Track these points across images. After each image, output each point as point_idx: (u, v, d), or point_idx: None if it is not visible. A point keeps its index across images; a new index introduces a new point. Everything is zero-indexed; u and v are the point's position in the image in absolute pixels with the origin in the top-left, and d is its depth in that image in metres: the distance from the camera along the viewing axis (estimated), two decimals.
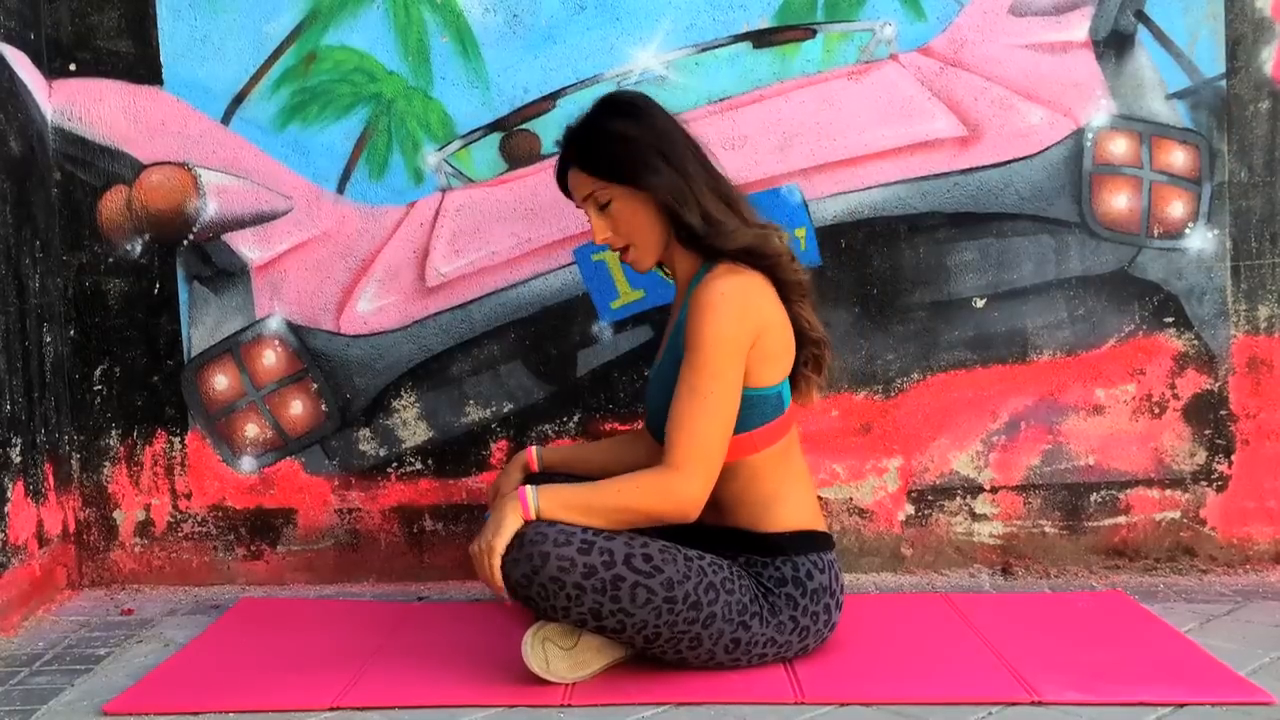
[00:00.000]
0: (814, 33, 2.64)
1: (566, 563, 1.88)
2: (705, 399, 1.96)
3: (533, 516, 1.92)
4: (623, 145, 2.04)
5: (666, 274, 2.21)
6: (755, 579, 2.03)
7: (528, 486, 1.97)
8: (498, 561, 1.90)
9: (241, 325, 2.72)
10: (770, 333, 2.01)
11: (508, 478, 2.31)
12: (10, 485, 2.46)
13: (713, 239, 2.03)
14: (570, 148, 2.11)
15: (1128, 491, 2.68)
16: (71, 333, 2.73)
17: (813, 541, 2.07)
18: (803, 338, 2.10)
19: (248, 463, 2.75)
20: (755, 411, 2.03)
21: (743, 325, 1.97)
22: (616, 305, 2.67)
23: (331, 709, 1.94)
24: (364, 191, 2.69)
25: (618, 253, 2.12)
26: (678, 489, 1.94)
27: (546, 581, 1.89)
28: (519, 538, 1.92)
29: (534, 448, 2.34)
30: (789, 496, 2.08)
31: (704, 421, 1.96)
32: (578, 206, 2.15)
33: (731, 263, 2.03)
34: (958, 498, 2.69)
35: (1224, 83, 2.61)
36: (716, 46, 2.64)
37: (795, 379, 2.11)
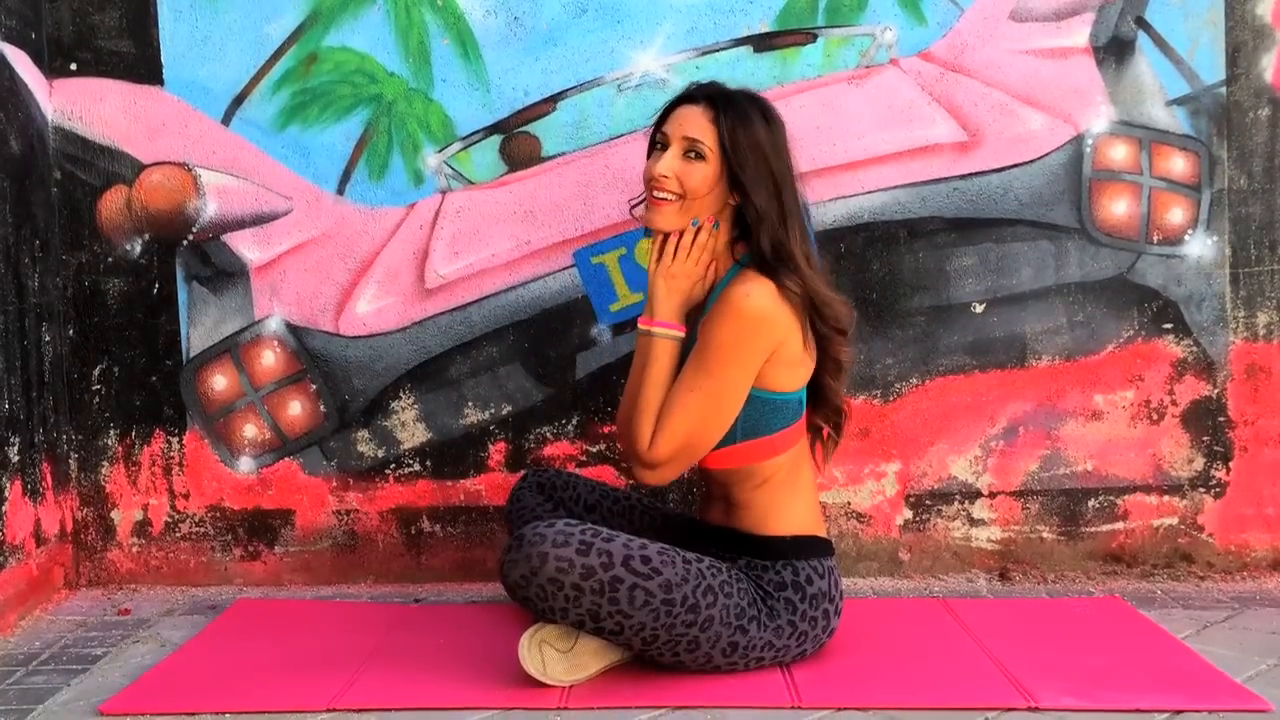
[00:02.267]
0: (814, 37, 2.64)
1: (565, 564, 1.88)
2: (704, 400, 1.98)
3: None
4: (761, 135, 2.02)
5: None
6: (754, 583, 2.03)
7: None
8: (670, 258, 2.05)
9: (240, 326, 2.72)
10: (792, 340, 2.01)
11: None
12: (8, 484, 2.45)
13: (788, 276, 1.99)
14: (713, 93, 2.05)
15: (1126, 497, 2.68)
16: (70, 332, 2.73)
17: (813, 547, 2.07)
18: (824, 402, 2.12)
19: (246, 463, 2.74)
20: (778, 415, 2.04)
21: (762, 336, 1.97)
22: (615, 308, 2.67)
23: (328, 710, 1.94)
24: (364, 193, 2.69)
25: (663, 197, 2.03)
26: (644, 475, 2.04)
27: (545, 582, 1.89)
28: (518, 539, 1.94)
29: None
30: (794, 501, 2.08)
31: (695, 420, 1.99)
32: (657, 139, 2.08)
33: (760, 268, 2.02)
34: (956, 503, 2.69)
35: (1224, 89, 2.61)
36: (717, 50, 2.64)
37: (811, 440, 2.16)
